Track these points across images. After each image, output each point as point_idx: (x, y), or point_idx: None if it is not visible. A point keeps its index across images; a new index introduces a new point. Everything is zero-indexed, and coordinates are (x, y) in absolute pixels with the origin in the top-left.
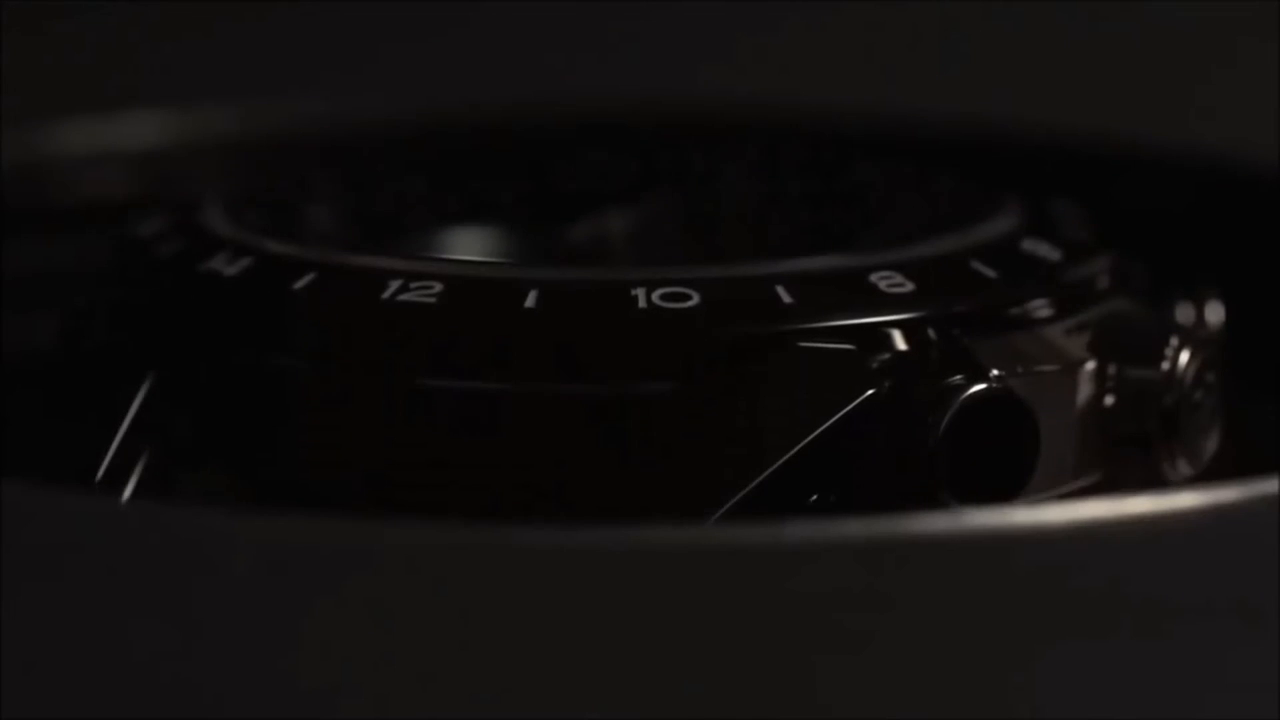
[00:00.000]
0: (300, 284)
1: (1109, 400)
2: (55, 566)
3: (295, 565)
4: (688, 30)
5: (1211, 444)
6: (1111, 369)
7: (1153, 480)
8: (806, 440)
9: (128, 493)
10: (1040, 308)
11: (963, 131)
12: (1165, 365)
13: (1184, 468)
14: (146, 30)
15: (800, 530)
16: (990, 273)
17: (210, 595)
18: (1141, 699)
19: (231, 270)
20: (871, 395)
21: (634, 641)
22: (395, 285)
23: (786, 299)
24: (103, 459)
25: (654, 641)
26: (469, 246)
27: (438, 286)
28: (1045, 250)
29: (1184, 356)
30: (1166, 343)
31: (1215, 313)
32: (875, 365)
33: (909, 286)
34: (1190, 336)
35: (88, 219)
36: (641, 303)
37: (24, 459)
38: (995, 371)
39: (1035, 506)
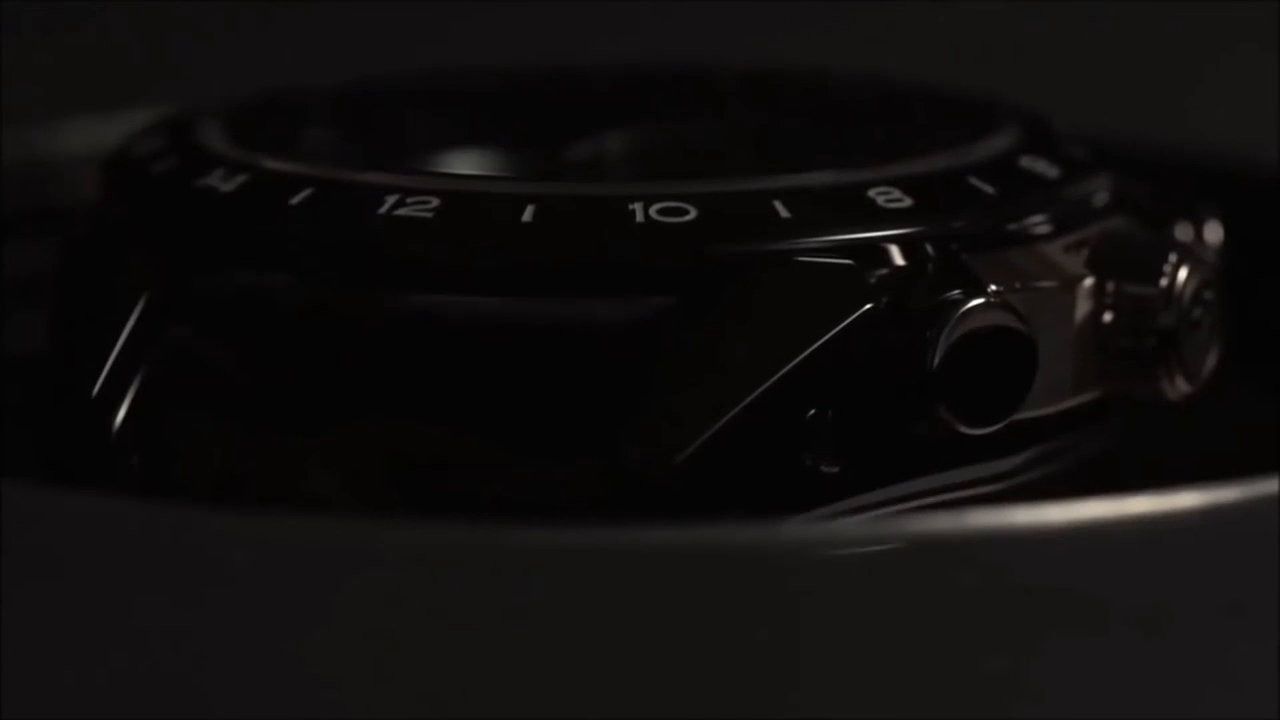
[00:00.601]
0: (296, 199)
1: (1107, 317)
2: (55, 566)
3: (295, 565)
4: (694, 19)
5: (1210, 361)
6: (1110, 285)
7: (1151, 397)
8: (803, 355)
9: (121, 414)
10: (1039, 224)
11: None
12: (1164, 282)
13: (1182, 385)
14: (146, 30)
15: (798, 529)
16: (989, 189)
17: (210, 595)
18: (1141, 699)
19: (227, 187)
20: (869, 310)
21: (632, 641)
22: (392, 200)
23: (784, 214)
24: (97, 378)
25: (653, 641)
26: (466, 166)
27: (434, 201)
28: (1044, 167)
29: (1182, 273)
30: (1165, 259)
31: (1214, 232)
32: (873, 280)
33: (907, 202)
34: (1189, 254)
35: None
36: (639, 217)
37: (24, 458)
38: (993, 287)
39: (1035, 506)
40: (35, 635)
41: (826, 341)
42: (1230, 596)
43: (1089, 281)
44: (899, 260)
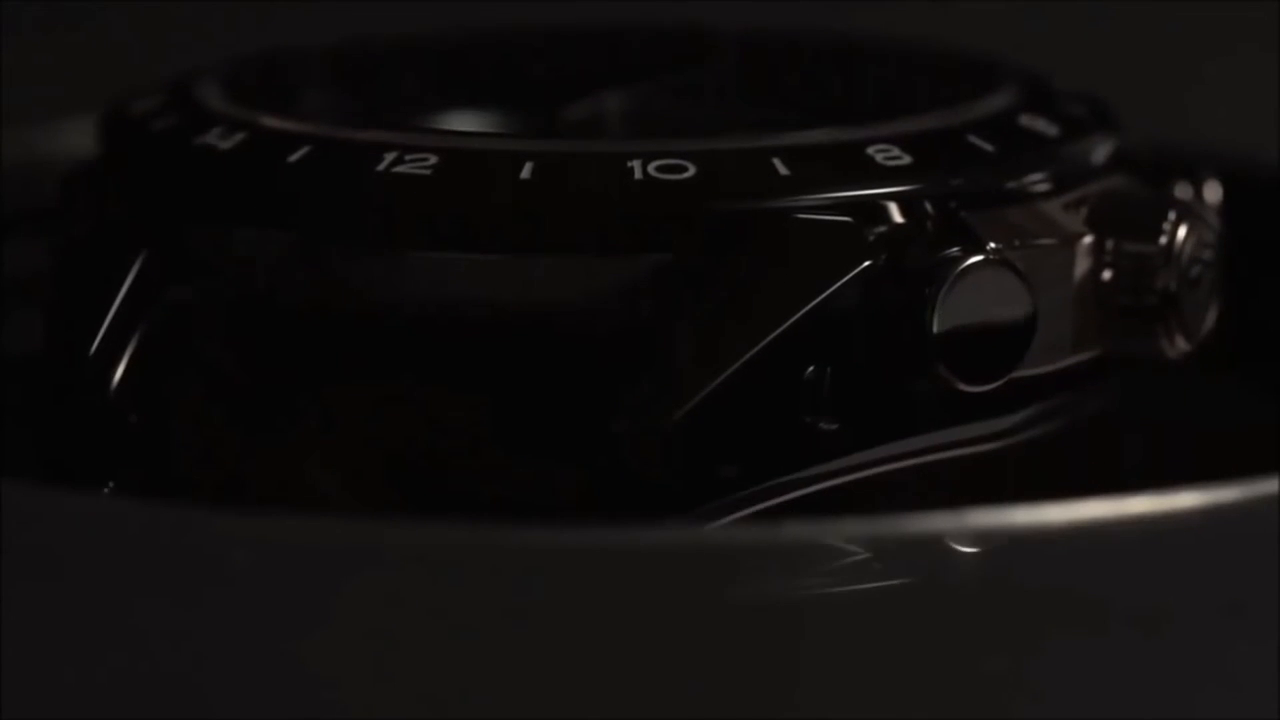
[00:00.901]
0: (295, 157)
1: (1107, 274)
2: (55, 566)
3: (295, 565)
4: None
5: (1209, 319)
6: (1109, 243)
7: (1150, 355)
8: (802, 312)
9: (120, 371)
10: (1038, 182)
11: None
12: (1163, 240)
13: (1181, 343)
14: (146, 30)
15: (799, 528)
16: (988, 147)
17: (210, 595)
18: (1141, 699)
19: (226, 144)
20: (867, 268)
21: (632, 641)
22: (390, 158)
23: (783, 171)
24: (95, 336)
25: (653, 641)
26: (464, 125)
27: (433, 159)
28: (1043, 125)
29: (1182, 231)
30: (1164, 218)
31: (1213, 191)
32: (872, 238)
33: (906, 160)
34: (1188, 212)
35: None
36: (638, 174)
37: (24, 458)
38: (992, 245)
39: (1035, 507)
40: (35, 635)
41: (825, 298)
42: (1230, 596)
43: (1088, 239)
44: (898, 218)
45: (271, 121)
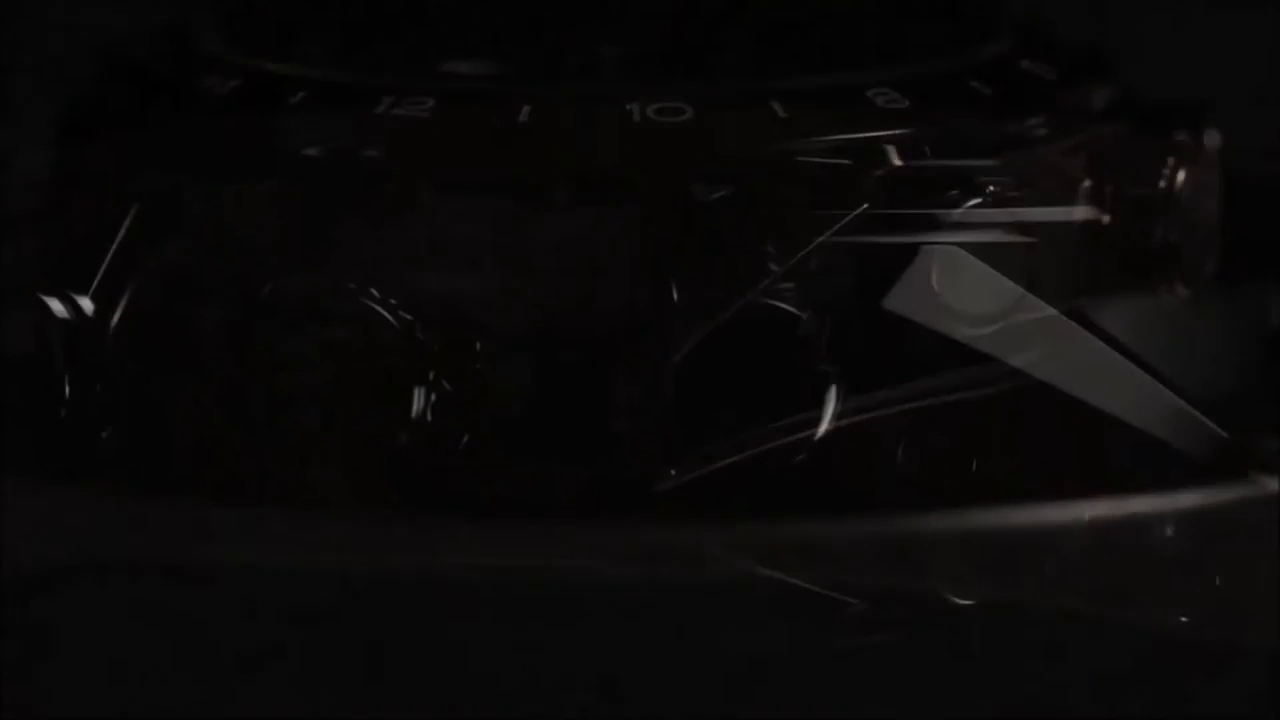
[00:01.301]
0: (293, 101)
1: (1106, 219)
2: (56, 566)
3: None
4: None
5: (1209, 265)
6: (1109, 188)
7: (1150, 298)
8: (800, 256)
9: (117, 316)
10: (1037, 126)
11: None
12: (1162, 184)
13: (1180, 288)
14: (145, 29)
15: (811, 528)
16: (987, 91)
17: (210, 591)
18: (1140, 697)
19: (224, 88)
20: (866, 211)
21: (630, 641)
22: (388, 101)
23: (782, 114)
24: (93, 281)
25: (651, 641)
26: (462, 69)
27: (431, 102)
28: (1043, 70)
29: (1181, 176)
30: (1164, 163)
31: (1212, 138)
32: (870, 181)
33: (905, 103)
34: (1187, 157)
35: None
36: (636, 117)
37: (24, 458)
38: (991, 188)
39: (1036, 507)
40: (35, 635)
41: (823, 242)
42: (1230, 596)
43: (1088, 184)
44: (896, 161)
45: (270, 65)
